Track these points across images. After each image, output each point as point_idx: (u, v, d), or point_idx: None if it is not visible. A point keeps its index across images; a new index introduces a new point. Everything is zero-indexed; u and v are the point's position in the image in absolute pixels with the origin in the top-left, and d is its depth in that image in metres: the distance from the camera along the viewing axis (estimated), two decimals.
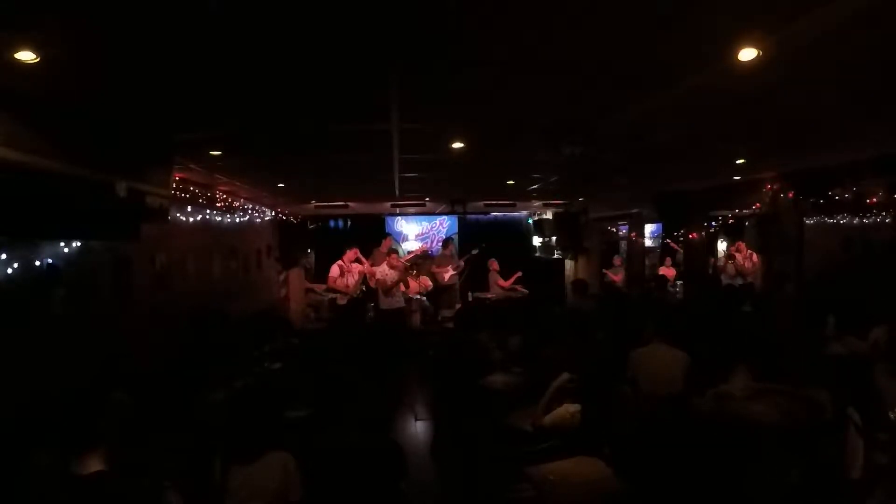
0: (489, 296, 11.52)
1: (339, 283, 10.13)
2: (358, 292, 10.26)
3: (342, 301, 10.05)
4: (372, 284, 10.39)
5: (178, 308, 6.70)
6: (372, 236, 11.90)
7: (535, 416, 4.20)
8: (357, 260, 10.38)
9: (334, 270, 10.19)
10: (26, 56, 2.84)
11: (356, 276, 10.25)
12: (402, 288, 10.42)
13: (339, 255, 10.32)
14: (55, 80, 3.30)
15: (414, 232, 14.93)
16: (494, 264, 11.75)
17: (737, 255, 10.00)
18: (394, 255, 10.20)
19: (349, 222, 14.53)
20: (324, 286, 10.99)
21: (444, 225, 14.96)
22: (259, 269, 10.98)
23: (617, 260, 12.81)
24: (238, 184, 8.38)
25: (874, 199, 6.73)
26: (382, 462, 3.36)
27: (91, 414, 3.03)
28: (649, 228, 12.48)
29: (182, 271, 7.32)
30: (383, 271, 9.83)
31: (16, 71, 3.00)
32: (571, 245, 13.70)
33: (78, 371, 4.34)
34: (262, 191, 9.64)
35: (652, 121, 4.76)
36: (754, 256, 9.67)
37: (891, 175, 6.42)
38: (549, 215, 14.20)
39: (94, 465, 1.83)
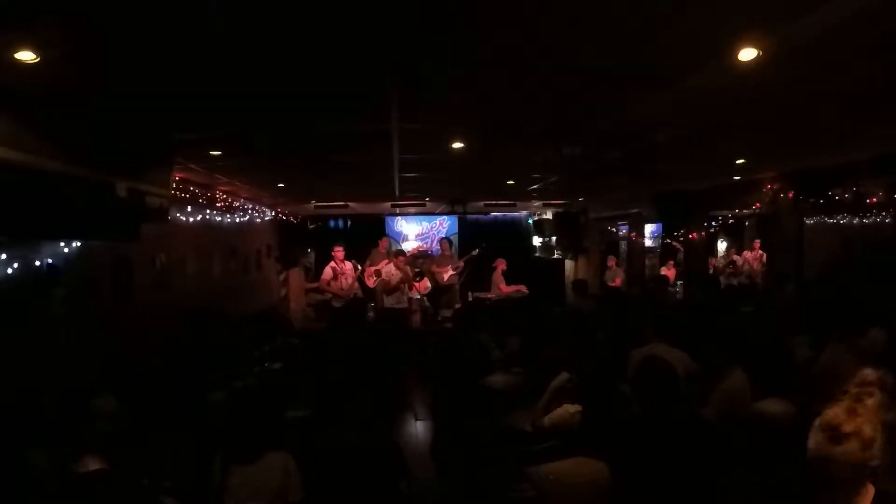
0: (489, 296, 11.50)
1: (334, 285, 9.77)
2: (353, 293, 9.95)
3: (337, 304, 9.66)
4: (371, 284, 10.35)
5: (177, 308, 6.69)
6: (372, 236, 11.88)
7: (534, 417, 4.20)
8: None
9: (327, 273, 9.85)
10: (26, 56, 2.85)
11: (350, 278, 9.91)
12: (406, 289, 10.37)
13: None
14: (55, 80, 3.30)
15: (414, 232, 14.92)
16: (502, 264, 11.64)
17: (748, 254, 10.01)
18: (401, 257, 10.09)
19: (349, 222, 14.52)
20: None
21: (443, 225, 14.93)
22: (259, 269, 10.97)
23: (611, 261, 12.67)
24: (238, 184, 8.38)
25: (874, 199, 6.73)
26: (382, 462, 3.35)
27: (83, 416, 3.02)
28: (649, 228, 12.46)
29: (182, 271, 7.32)
30: (389, 271, 9.76)
31: (16, 71, 3.00)
32: (571, 245, 13.70)
33: (77, 371, 4.33)
34: (262, 191, 9.64)
35: (652, 121, 4.76)
36: (764, 257, 9.69)
37: (891, 175, 6.42)
38: (549, 215, 14.20)
39: (91, 465, 1.83)
